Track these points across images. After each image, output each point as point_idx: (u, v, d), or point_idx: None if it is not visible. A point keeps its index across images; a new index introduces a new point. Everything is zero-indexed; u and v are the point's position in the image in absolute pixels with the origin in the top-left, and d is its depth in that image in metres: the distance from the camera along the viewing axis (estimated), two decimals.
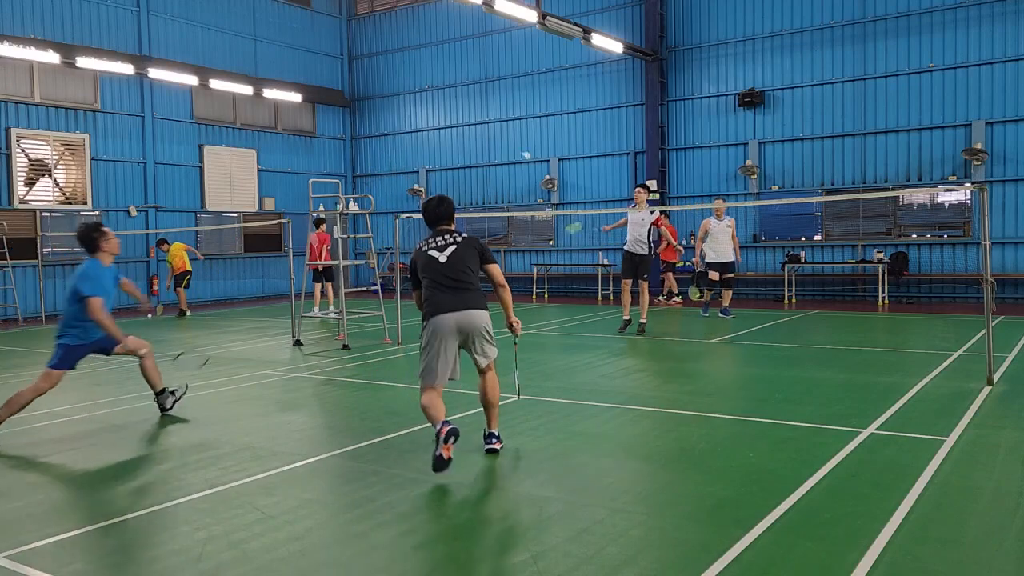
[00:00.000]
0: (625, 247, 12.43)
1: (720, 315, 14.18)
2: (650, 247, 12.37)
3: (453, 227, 5.90)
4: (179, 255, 17.99)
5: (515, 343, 6.10)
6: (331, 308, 15.05)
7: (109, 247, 7.00)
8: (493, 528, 4.33)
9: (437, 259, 5.67)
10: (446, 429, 5.12)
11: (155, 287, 20.27)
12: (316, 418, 7.44)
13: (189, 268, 18.15)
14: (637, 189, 12.50)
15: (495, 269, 5.84)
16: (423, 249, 5.75)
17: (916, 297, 17.43)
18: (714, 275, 14.29)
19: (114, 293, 7.03)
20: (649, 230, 12.25)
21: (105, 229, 7.05)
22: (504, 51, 22.73)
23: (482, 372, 5.75)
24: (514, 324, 5.87)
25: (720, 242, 14.12)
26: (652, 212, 12.33)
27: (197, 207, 21.71)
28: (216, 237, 22.43)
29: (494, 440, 5.80)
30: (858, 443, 5.78)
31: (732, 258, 14.23)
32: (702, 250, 14.36)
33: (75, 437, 6.69)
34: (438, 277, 5.64)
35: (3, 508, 4.86)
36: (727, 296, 14.48)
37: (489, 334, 5.67)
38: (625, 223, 12.53)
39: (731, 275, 14.38)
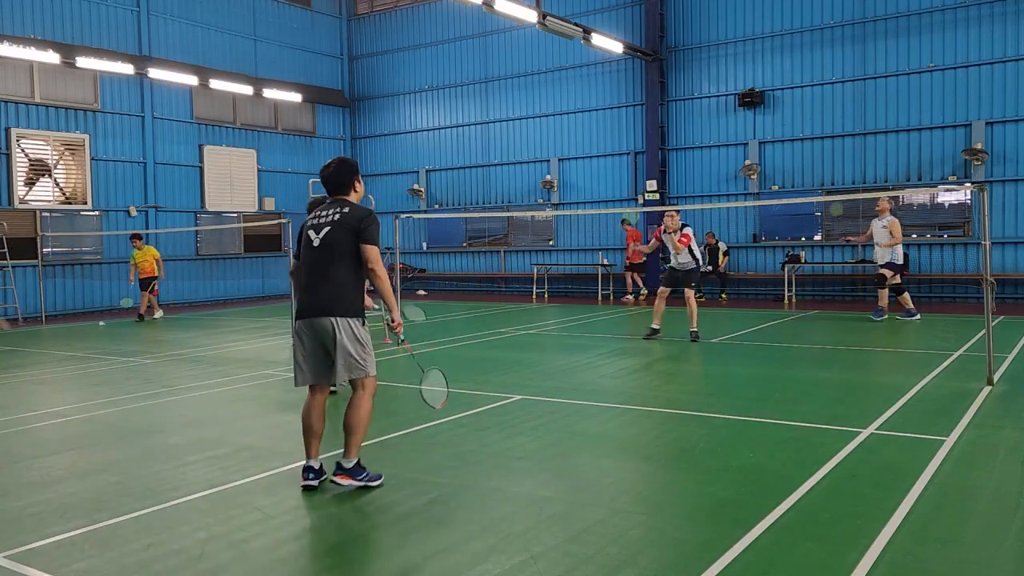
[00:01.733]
0: (669, 263, 12.07)
1: (873, 317, 13.42)
2: (696, 260, 11.83)
3: (352, 197, 5.03)
4: (151, 260, 17.13)
5: (402, 342, 5.16)
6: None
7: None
8: (493, 528, 4.33)
9: (312, 242, 4.86)
10: (303, 480, 4.93)
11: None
12: None
13: (156, 274, 17.25)
14: (669, 214, 11.75)
15: (370, 251, 4.81)
16: (307, 223, 4.99)
17: (916, 297, 17.40)
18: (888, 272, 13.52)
19: None
20: (690, 247, 11.72)
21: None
22: (504, 51, 22.73)
23: (352, 389, 4.97)
24: (393, 324, 5.03)
25: (875, 242, 13.49)
26: (684, 228, 11.75)
27: (197, 207, 21.70)
28: (216, 237, 22.43)
29: (339, 472, 4.89)
30: (858, 443, 5.78)
31: (885, 259, 13.34)
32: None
33: (75, 437, 6.70)
34: (305, 266, 4.90)
35: (3, 508, 4.86)
36: (882, 296, 13.47)
37: (350, 347, 4.79)
38: (657, 245, 12.14)
39: (887, 274, 13.35)
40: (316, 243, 4.83)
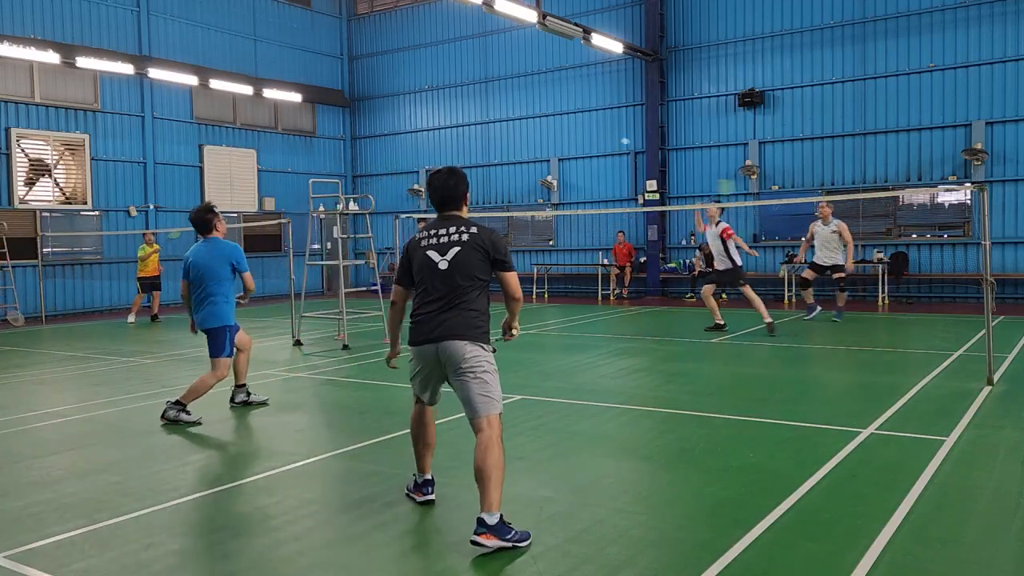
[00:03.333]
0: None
1: (833, 318, 13.51)
2: (732, 259, 12.32)
3: (464, 214, 4.55)
4: (156, 258, 16.93)
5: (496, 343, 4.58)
6: None
7: (222, 227, 7.40)
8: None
9: (436, 264, 4.36)
10: (423, 496, 4.69)
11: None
12: (316, 418, 7.44)
13: (155, 273, 17.08)
14: (710, 204, 12.48)
15: (511, 279, 4.44)
16: (421, 243, 4.47)
17: (916, 297, 17.43)
18: (808, 274, 13.86)
19: None
20: (723, 243, 12.25)
21: (217, 210, 7.43)
22: (504, 51, 22.73)
23: (475, 429, 4.30)
24: (513, 330, 4.68)
25: (823, 245, 13.50)
26: (718, 224, 12.30)
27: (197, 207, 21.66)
28: None
29: (482, 531, 3.96)
30: (858, 443, 5.78)
31: (838, 261, 13.42)
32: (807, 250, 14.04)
33: (75, 437, 6.69)
34: (430, 289, 4.39)
35: (3, 508, 4.86)
36: (840, 297, 13.69)
37: (483, 376, 4.28)
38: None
39: (841, 275, 13.53)
40: (443, 265, 4.34)
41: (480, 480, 4.12)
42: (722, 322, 12.54)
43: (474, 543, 3.96)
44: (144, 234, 17.61)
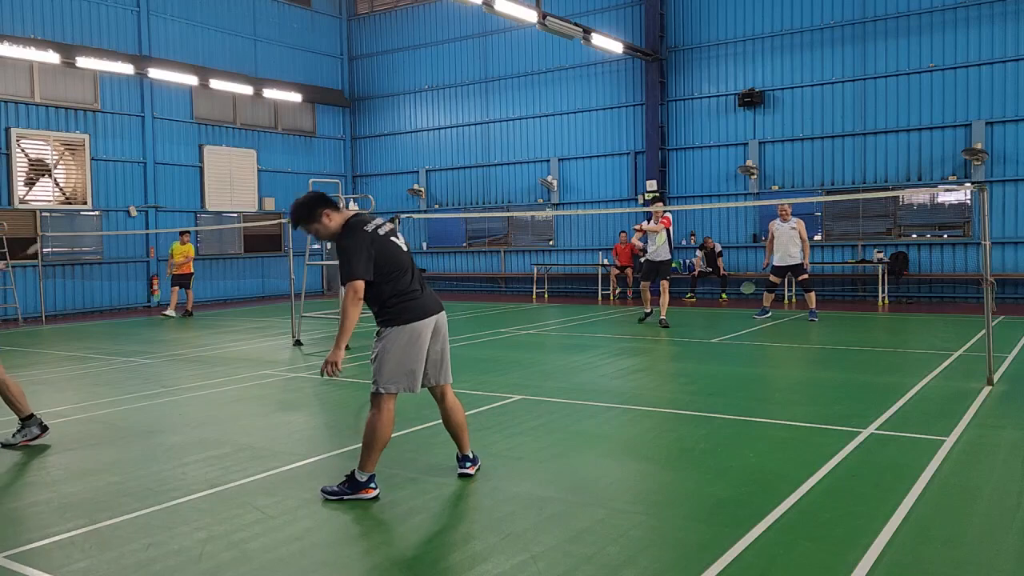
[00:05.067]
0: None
1: (809, 319, 13.66)
2: (671, 252, 13.57)
3: None
4: (187, 256, 17.74)
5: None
6: None
7: None
8: (493, 528, 4.33)
9: (404, 248, 4.92)
10: (372, 492, 4.81)
11: (155, 287, 20.26)
12: (316, 418, 7.44)
13: (191, 270, 18.02)
14: (655, 203, 13.64)
15: None
16: (380, 233, 4.78)
17: (916, 297, 17.43)
18: (774, 278, 14.18)
19: None
20: (668, 233, 13.36)
21: None
22: (504, 51, 22.73)
23: (443, 391, 5.10)
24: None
25: (783, 244, 13.72)
26: (665, 214, 13.45)
27: (197, 207, 21.70)
28: (216, 237, 22.42)
29: (468, 464, 5.23)
30: (858, 443, 5.78)
31: (798, 260, 13.69)
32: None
33: (75, 437, 6.69)
34: (407, 271, 4.84)
35: (3, 508, 4.86)
36: (810, 298, 13.78)
37: (447, 343, 5.09)
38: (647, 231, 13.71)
39: (804, 276, 13.89)
40: (405, 248, 4.99)
41: (460, 431, 5.16)
42: (649, 311, 13.81)
43: (463, 474, 5.16)
44: (182, 235, 18.12)
